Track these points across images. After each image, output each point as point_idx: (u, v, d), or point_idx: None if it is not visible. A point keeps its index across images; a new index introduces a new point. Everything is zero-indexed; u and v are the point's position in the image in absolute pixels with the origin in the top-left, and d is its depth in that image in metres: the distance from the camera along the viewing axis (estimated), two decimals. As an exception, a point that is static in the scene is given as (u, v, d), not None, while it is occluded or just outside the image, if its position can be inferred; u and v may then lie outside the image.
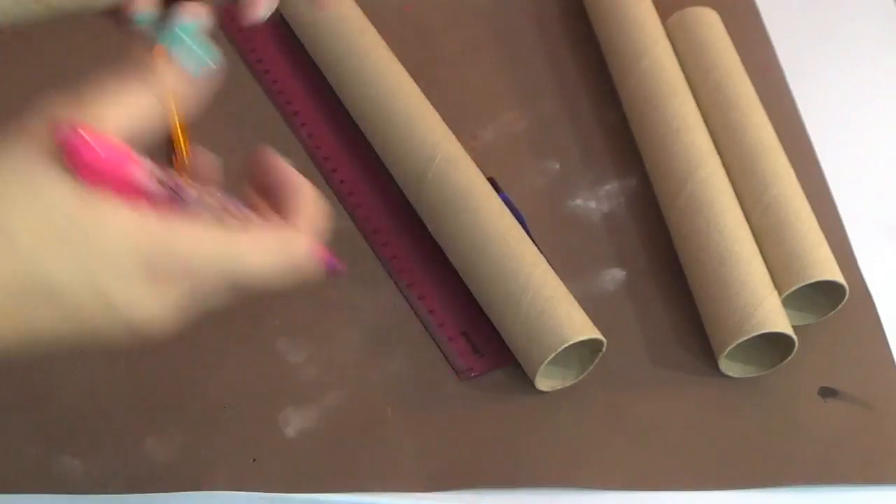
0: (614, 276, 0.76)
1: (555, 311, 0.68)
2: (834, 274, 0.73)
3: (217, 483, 0.64)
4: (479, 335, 0.72)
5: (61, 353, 0.67)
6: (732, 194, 0.76)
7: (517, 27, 0.90)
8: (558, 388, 0.70)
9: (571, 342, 0.67)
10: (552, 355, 0.67)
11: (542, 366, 0.68)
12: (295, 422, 0.67)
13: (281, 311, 0.71)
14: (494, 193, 0.74)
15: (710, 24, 0.86)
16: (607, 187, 0.81)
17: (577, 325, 0.68)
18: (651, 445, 0.69)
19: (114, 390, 0.67)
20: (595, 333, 0.69)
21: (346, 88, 0.81)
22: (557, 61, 0.88)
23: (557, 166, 0.82)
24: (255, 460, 0.65)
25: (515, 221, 0.73)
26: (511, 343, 0.70)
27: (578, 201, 0.80)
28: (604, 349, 0.69)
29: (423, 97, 0.79)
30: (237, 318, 0.71)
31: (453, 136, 0.77)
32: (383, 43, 0.82)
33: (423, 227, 0.77)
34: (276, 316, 0.71)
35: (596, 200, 0.80)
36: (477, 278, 0.72)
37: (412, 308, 0.73)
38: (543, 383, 0.70)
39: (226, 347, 0.70)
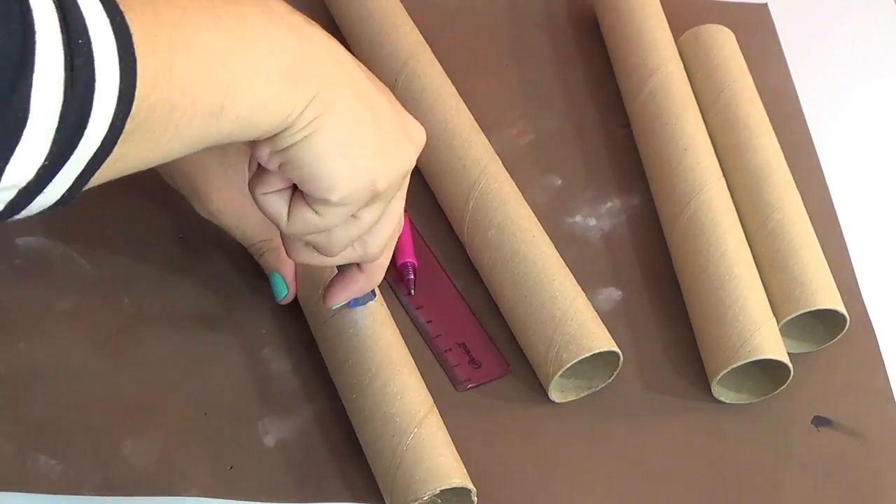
0: (610, 295, 0.75)
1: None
2: (835, 302, 0.71)
3: (192, 489, 0.64)
4: (477, 347, 0.72)
5: (42, 353, 0.68)
6: (736, 217, 0.75)
7: (527, 40, 0.90)
8: (571, 399, 0.70)
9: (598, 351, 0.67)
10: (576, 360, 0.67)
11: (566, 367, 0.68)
12: (275, 431, 0.67)
13: (269, 319, 0.71)
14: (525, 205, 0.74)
15: (724, 43, 0.85)
16: (609, 205, 0.80)
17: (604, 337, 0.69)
18: (638, 470, 0.68)
19: (94, 392, 0.67)
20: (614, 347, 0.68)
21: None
22: (566, 75, 0.88)
23: (559, 182, 0.81)
24: (232, 468, 0.65)
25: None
26: (530, 348, 0.70)
27: (578, 218, 0.79)
28: (619, 366, 0.69)
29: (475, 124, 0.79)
30: (223, 324, 0.71)
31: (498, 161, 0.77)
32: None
33: (421, 237, 0.76)
34: (264, 325, 0.71)
35: (596, 218, 0.79)
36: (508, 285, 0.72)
37: (409, 318, 0.73)
38: (557, 394, 0.70)
39: (210, 353, 0.69)
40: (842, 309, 0.71)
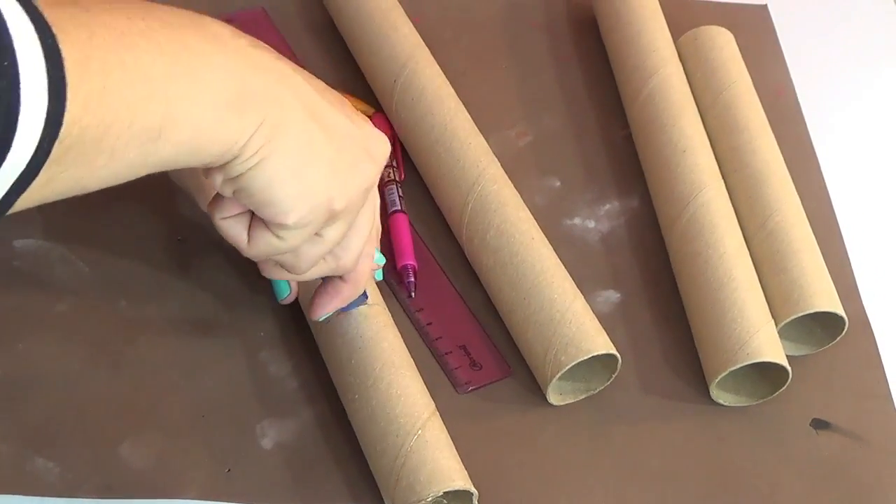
0: (609, 297, 0.75)
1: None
2: (834, 305, 0.71)
3: (190, 492, 0.64)
4: (477, 348, 0.72)
5: (40, 355, 0.68)
6: (734, 219, 0.75)
7: (526, 42, 0.90)
8: (569, 401, 0.70)
9: (596, 353, 0.67)
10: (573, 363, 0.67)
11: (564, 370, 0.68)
12: (273, 433, 0.66)
13: (267, 322, 0.71)
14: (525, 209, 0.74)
15: (723, 44, 0.85)
16: (607, 207, 0.80)
17: (602, 340, 0.69)
18: (637, 473, 0.68)
19: (92, 394, 0.67)
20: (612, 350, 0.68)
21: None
22: (566, 77, 0.88)
23: (558, 184, 0.81)
24: (229, 470, 0.65)
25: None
26: (529, 350, 0.70)
27: (577, 220, 0.79)
28: (617, 369, 0.69)
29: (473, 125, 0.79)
30: (222, 327, 0.71)
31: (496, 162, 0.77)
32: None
33: (421, 239, 0.76)
34: (262, 327, 0.70)
35: (595, 220, 0.79)
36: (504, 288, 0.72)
37: (410, 321, 0.72)
38: (555, 397, 0.70)
39: (208, 355, 0.69)
40: (840, 311, 0.71)
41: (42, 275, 0.72)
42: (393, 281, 0.74)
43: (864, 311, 0.76)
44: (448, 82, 0.81)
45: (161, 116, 0.47)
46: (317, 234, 0.57)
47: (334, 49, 0.87)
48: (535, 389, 0.70)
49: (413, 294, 0.73)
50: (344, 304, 0.65)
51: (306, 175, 0.54)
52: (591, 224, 0.79)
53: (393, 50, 0.82)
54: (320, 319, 0.65)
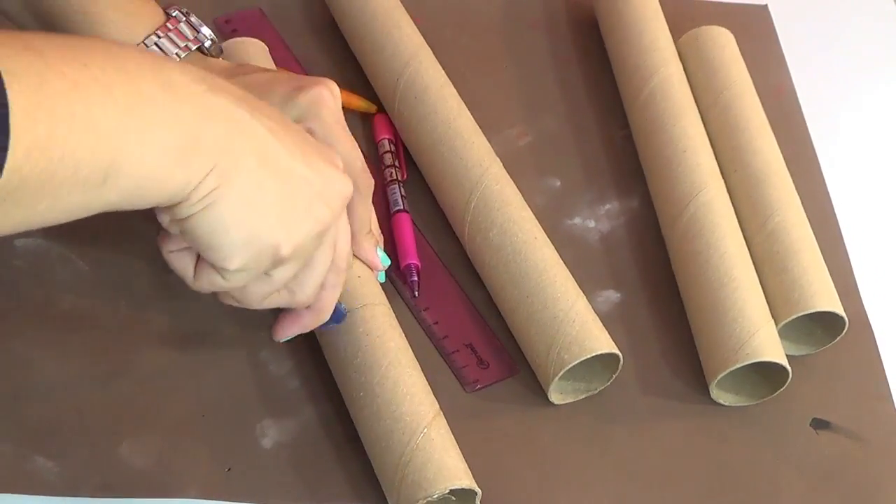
0: (609, 297, 0.75)
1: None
2: (834, 305, 0.71)
3: (190, 491, 0.64)
4: (484, 347, 0.72)
5: (40, 354, 0.68)
6: (735, 219, 0.75)
7: (527, 41, 0.90)
8: (569, 401, 0.70)
9: (598, 352, 0.67)
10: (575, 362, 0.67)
11: (564, 370, 0.68)
12: (273, 433, 0.66)
13: (268, 322, 0.70)
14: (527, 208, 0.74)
15: (724, 45, 0.85)
16: (608, 207, 0.80)
17: (605, 339, 0.69)
18: (635, 472, 0.68)
19: (92, 393, 0.67)
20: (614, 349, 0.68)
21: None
22: (566, 77, 0.88)
23: (558, 184, 0.81)
24: (229, 470, 0.65)
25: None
26: (531, 349, 0.70)
27: (577, 220, 0.79)
28: (618, 369, 0.69)
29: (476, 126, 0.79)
30: (222, 326, 0.71)
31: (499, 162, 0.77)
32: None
33: (424, 238, 0.76)
34: (263, 327, 0.70)
35: (595, 220, 0.79)
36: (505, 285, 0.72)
37: (416, 320, 0.72)
38: (556, 396, 0.70)
39: (208, 355, 0.69)
40: (841, 312, 0.71)
41: (43, 274, 0.72)
42: (397, 280, 0.74)
43: (865, 311, 0.76)
44: (450, 82, 0.81)
45: (107, 165, 0.48)
46: (266, 273, 0.58)
47: (335, 48, 0.87)
48: (535, 389, 0.70)
49: (417, 293, 0.74)
50: (305, 330, 0.65)
51: (252, 222, 0.54)
52: (592, 224, 0.79)
53: (396, 48, 0.82)
54: (280, 341, 0.66)
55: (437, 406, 0.65)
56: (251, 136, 0.54)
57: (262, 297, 0.60)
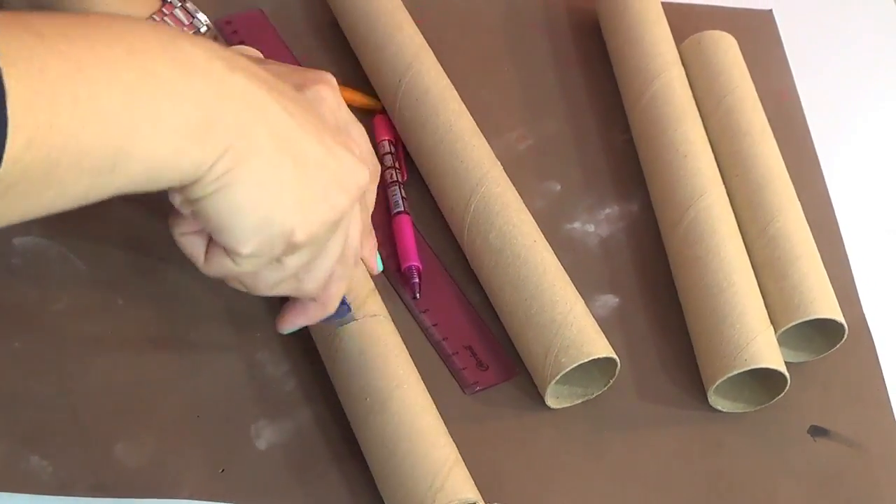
0: (607, 302, 0.75)
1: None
2: (833, 312, 0.71)
3: (184, 491, 0.64)
4: (483, 349, 0.72)
5: (36, 353, 0.68)
6: (735, 224, 0.75)
7: (528, 44, 0.90)
8: (566, 405, 0.70)
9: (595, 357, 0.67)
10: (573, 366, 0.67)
11: (560, 375, 0.68)
12: (267, 434, 0.66)
13: (264, 323, 0.70)
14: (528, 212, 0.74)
15: (727, 49, 0.85)
16: (607, 211, 0.80)
17: (603, 344, 0.68)
18: (632, 478, 0.68)
19: (87, 393, 0.67)
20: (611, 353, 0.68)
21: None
22: (567, 80, 0.88)
23: (558, 187, 0.81)
24: (224, 470, 0.65)
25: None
26: (528, 352, 0.70)
27: (577, 224, 0.79)
28: (615, 375, 0.69)
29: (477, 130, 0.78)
30: (219, 326, 0.70)
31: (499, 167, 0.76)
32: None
33: (424, 240, 0.76)
34: (259, 328, 0.70)
35: (595, 224, 0.79)
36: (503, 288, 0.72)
37: (415, 322, 0.72)
38: (552, 400, 0.69)
39: (204, 355, 0.69)
40: (840, 319, 0.71)
41: (40, 273, 0.72)
42: (398, 282, 0.74)
43: (864, 319, 0.75)
44: (452, 85, 0.80)
45: (115, 151, 0.46)
46: (277, 259, 0.56)
47: (336, 49, 0.87)
48: (532, 393, 0.70)
49: (418, 295, 0.73)
50: (311, 322, 0.65)
51: (266, 206, 0.52)
52: (591, 228, 0.79)
53: (399, 49, 0.82)
54: (285, 332, 0.65)
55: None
56: (268, 116, 0.52)
57: (271, 284, 0.58)
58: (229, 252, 0.54)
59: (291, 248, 0.55)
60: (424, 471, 0.62)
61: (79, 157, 0.45)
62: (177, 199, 0.53)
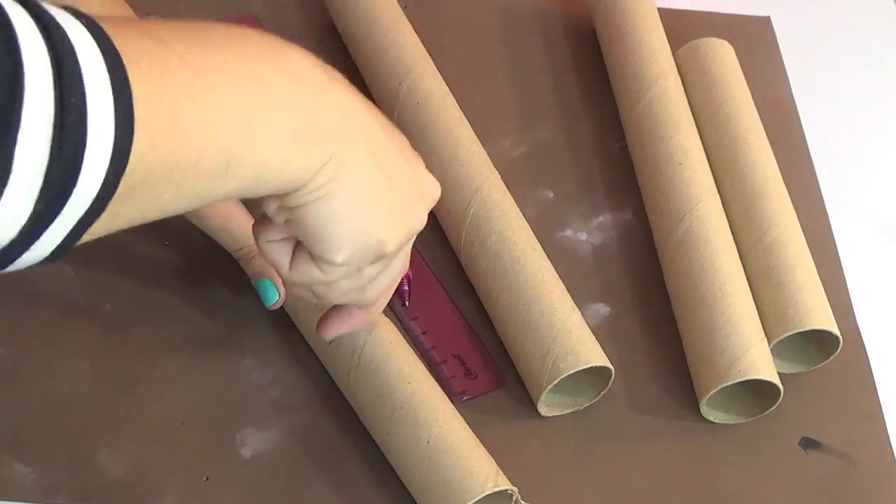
0: (598, 311, 0.74)
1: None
2: (828, 323, 0.70)
3: (167, 500, 0.63)
4: (472, 358, 0.71)
5: (21, 359, 0.68)
6: (730, 234, 0.75)
7: (523, 51, 0.89)
8: (556, 413, 0.69)
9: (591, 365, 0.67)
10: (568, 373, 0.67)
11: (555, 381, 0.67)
12: (252, 443, 0.66)
13: (250, 330, 0.70)
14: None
15: (724, 57, 0.84)
16: (600, 219, 0.79)
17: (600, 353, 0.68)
18: (622, 489, 0.67)
19: (72, 399, 0.67)
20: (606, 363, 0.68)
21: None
22: (562, 87, 0.87)
23: (551, 195, 0.80)
24: (207, 479, 0.64)
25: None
26: (524, 357, 0.69)
27: (569, 232, 0.78)
28: (607, 387, 0.69)
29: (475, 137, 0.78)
30: (205, 333, 0.70)
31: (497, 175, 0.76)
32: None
33: (414, 248, 0.75)
34: (245, 335, 0.70)
35: (587, 232, 0.78)
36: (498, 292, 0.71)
37: (404, 330, 0.72)
38: (544, 408, 0.69)
39: (189, 363, 0.69)
40: (835, 330, 0.70)
41: (27, 278, 0.71)
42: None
43: (858, 331, 0.75)
44: (450, 91, 0.80)
45: (229, 154, 0.46)
46: (358, 269, 0.57)
47: (332, 52, 0.86)
48: (522, 401, 0.69)
49: (407, 303, 0.73)
50: (354, 330, 0.65)
51: (364, 216, 0.53)
52: (583, 236, 0.78)
53: (400, 53, 0.81)
54: (329, 339, 0.65)
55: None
56: (365, 128, 0.53)
57: (343, 292, 0.59)
58: (321, 260, 0.55)
59: (379, 257, 0.56)
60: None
61: (196, 160, 0.45)
62: (272, 207, 0.53)
